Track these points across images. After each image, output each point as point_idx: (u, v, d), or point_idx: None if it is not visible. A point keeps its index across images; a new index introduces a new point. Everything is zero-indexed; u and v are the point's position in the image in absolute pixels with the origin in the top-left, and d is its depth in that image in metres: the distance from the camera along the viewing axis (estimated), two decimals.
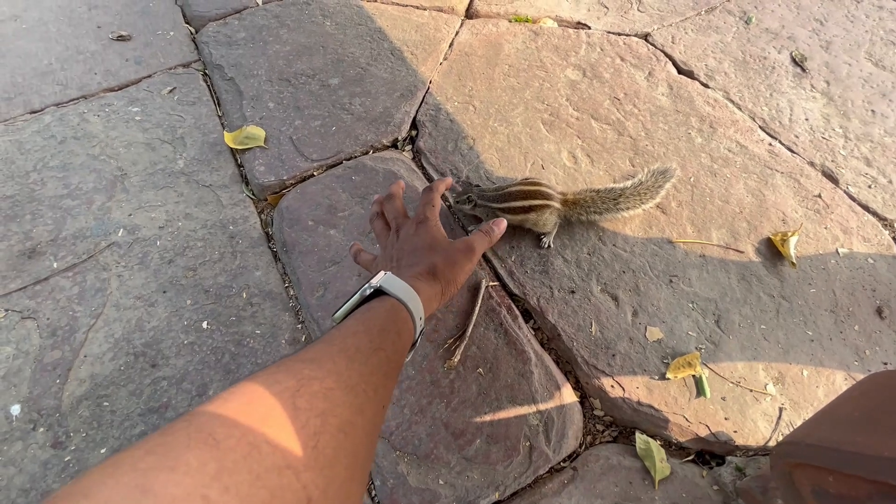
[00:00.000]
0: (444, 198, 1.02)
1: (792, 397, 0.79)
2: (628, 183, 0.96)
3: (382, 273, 0.60)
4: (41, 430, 0.78)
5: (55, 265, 0.96)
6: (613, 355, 0.83)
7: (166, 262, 0.96)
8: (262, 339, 0.87)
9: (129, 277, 0.94)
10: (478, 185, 0.95)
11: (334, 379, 0.39)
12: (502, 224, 0.79)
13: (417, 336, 0.59)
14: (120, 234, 1.00)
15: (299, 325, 0.89)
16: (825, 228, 0.98)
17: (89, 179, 1.08)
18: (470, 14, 1.48)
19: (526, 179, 0.94)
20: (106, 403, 0.80)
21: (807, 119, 1.17)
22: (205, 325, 0.89)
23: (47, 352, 0.85)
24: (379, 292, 0.58)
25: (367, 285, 0.58)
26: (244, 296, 0.92)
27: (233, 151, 1.14)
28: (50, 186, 1.07)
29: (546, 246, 0.95)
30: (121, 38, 1.40)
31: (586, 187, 1.00)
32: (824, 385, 0.80)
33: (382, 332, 0.50)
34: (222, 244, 0.99)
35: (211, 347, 0.86)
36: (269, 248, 0.99)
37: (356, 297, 0.57)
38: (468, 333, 0.84)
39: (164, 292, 0.93)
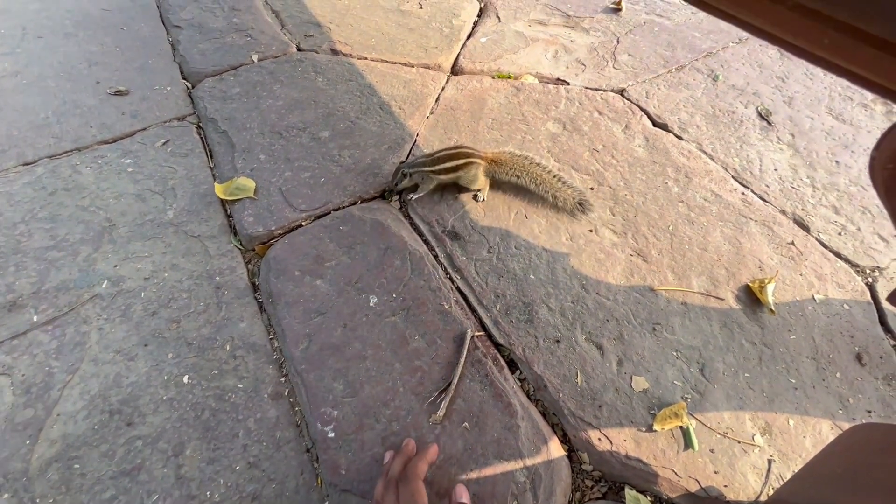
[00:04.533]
0: (389, 189, 1.12)
1: (780, 448, 0.78)
2: (548, 165, 1.09)
3: None
4: (6, 495, 0.73)
5: (35, 318, 0.93)
6: (600, 406, 0.82)
7: (149, 314, 0.95)
8: (244, 393, 0.85)
9: (109, 331, 0.92)
10: (403, 162, 1.07)
11: None
12: None
13: None
14: (104, 286, 0.99)
15: (282, 379, 0.87)
16: (800, 275, 1.00)
17: (77, 231, 1.08)
18: (455, 71, 1.55)
19: (452, 146, 1.08)
20: (77, 466, 0.76)
21: (776, 169, 1.22)
22: (185, 379, 0.86)
23: (19, 410, 0.82)
24: None
25: None
26: (227, 348, 0.91)
27: (223, 202, 1.15)
28: (36, 238, 1.06)
29: (481, 199, 1.12)
30: (118, 93, 1.44)
31: (506, 150, 1.14)
32: (811, 435, 0.79)
33: None
34: (208, 295, 0.98)
35: (190, 403, 0.83)
36: (256, 298, 0.98)
37: None
38: (453, 386, 0.82)
39: (146, 346, 0.90)
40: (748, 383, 0.85)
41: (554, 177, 1.09)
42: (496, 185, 1.16)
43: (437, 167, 1.06)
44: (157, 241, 1.07)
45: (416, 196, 1.11)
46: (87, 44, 1.62)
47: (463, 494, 0.69)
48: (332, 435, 0.79)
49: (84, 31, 1.68)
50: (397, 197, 1.17)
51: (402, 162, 1.08)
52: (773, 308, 0.93)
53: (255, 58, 1.56)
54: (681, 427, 0.79)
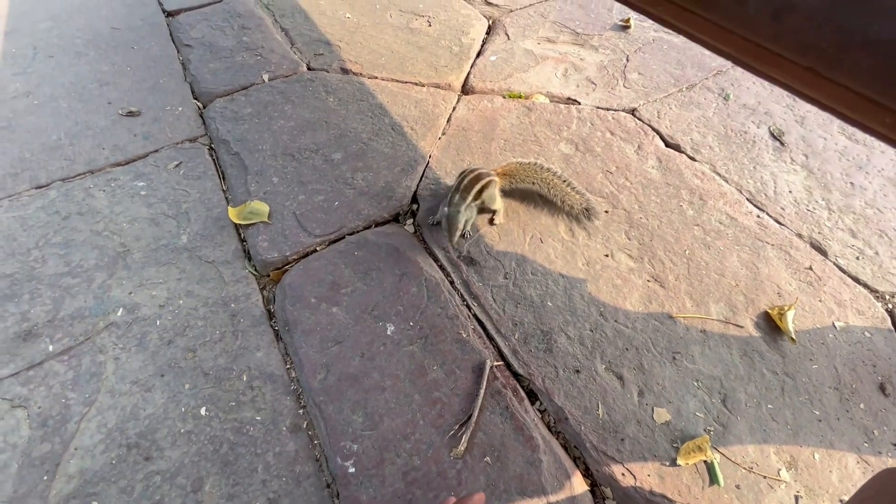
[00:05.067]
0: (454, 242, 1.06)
1: (806, 483, 0.77)
2: (557, 170, 1.12)
3: None
4: None
5: (50, 348, 0.93)
6: (622, 440, 0.81)
7: (165, 343, 0.94)
8: (262, 426, 0.84)
9: (126, 360, 0.92)
10: (446, 207, 1.05)
11: None
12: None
13: None
14: (119, 314, 0.98)
15: (300, 410, 0.86)
16: (820, 301, 0.99)
17: (91, 256, 1.08)
18: (466, 90, 1.55)
19: (462, 173, 1.08)
20: (94, 503, 0.76)
21: (790, 191, 1.21)
22: (203, 411, 0.86)
23: (36, 444, 0.81)
24: None
25: None
26: (244, 378, 0.90)
27: (236, 226, 1.15)
28: (51, 264, 1.06)
29: (497, 223, 1.12)
30: (130, 114, 1.44)
31: (513, 161, 1.17)
32: (837, 469, 0.78)
33: None
34: (223, 323, 0.98)
35: (209, 436, 0.83)
36: (271, 326, 0.98)
37: None
38: (474, 418, 0.82)
39: (162, 376, 0.90)
40: (771, 415, 0.84)
41: (563, 181, 1.13)
42: (508, 204, 1.16)
43: (472, 195, 1.04)
44: (171, 267, 1.07)
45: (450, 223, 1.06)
46: (99, 63, 1.63)
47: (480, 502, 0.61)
48: (352, 470, 0.78)
49: (95, 50, 1.69)
50: (411, 221, 1.17)
51: (447, 207, 1.04)
52: (793, 337, 0.92)
53: (265, 77, 1.57)
54: (705, 461, 0.78)
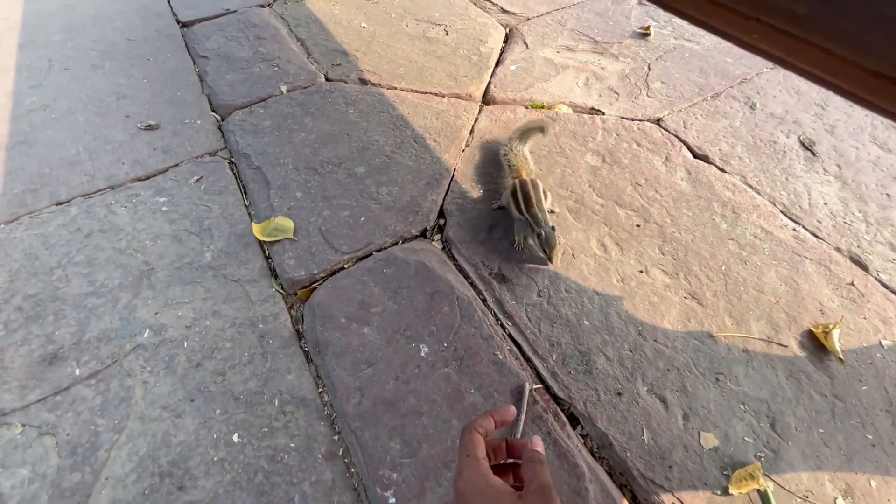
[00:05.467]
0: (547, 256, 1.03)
1: None
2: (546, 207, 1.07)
3: None
4: None
5: (77, 372, 0.91)
6: (670, 467, 0.78)
7: (194, 366, 0.92)
8: (296, 453, 0.82)
9: (154, 384, 0.90)
10: (525, 227, 1.04)
11: None
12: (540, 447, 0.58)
13: None
14: (146, 336, 0.96)
15: (335, 437, 0.84)
16: (864, 319, 0.97)
17: (115, 275, 1.06)
18: (487, 101, 1.54)
19: (515, 184, 1.07)
20: None
21: (825, 203, 1.19)
22: (235, 437, 0.83)
23: (66, 474, 0.79)
24: None
25: None
26: (276, 403, 0.88)
27: (261, 243, 1.13)
28: (74, 284, 1.04)
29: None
30: (149, 128, 1.43)
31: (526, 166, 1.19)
32: (895, 498, 0.76)
33: None
34: (252, 344, 0.96)
35: (242, 464, 0.80)
36: (301, 347, 0.96)
37: None
38: None
39: (192, 401, 0.88)
40: (823, 440, 0.81)
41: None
42: None
43: (540, 206, 1.04)
44: (196, 286, 1.05)
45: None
46: (115, 76, 1.62)
47: (538, 444, 0.57)
48: (392, 500, 0.75)
49: (111, 62, 1.68)
50: (439, 236, 1.15)
51: (540, 228, 1.01)
52: (841, 357, 0.90)
53: (283, 89, 1.55)
54: (758, 490, 0.76)
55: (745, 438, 0.81)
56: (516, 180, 1.08)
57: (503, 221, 1.14)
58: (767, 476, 0.77)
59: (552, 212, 1.14)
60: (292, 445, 0.83)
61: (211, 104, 1.52)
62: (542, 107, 1.49)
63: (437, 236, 1.15)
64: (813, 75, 0.39)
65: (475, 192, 1.22)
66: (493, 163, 1.30)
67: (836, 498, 0.75)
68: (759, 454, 0.79)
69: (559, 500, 0.49)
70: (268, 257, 1.11)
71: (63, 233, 1.14)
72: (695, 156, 1.32)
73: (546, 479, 0.50)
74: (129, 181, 1.27)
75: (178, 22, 1.88)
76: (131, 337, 0.96)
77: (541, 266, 1.05)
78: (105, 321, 0.98)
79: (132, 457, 0.81)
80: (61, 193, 1.24)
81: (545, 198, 1.07)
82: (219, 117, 1.48)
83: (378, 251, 1.10)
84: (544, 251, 1.01)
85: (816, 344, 0.93)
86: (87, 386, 0.89)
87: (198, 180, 1.28)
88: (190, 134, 1.41)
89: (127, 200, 1.22)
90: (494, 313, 0.99)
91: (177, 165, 1.32)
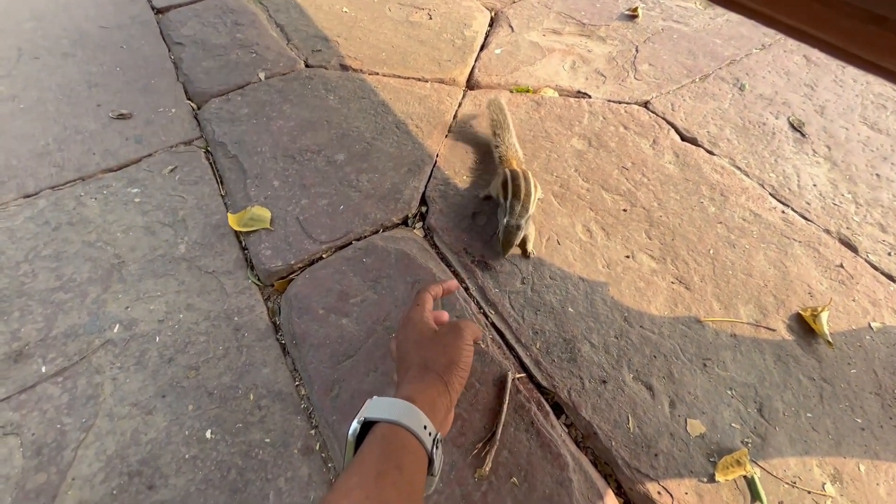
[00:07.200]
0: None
1: (853, 498, 0.73)
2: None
3: (368, 401, 0.55)
4: None
5: (44, 369, 0.87)
6: (656, 455, 0.76)
7: (166, 361, 0.89)
8: (272, 448, 0.79)
9: (124, 381, 0.86)
10: (504, 216, 0.97)
11: None
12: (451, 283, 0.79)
13: (431, 448, 0.52)
14: (116, 331, 0.93)
15: (312, 431, 0.81)
16: (853, 301, 0.95)
17: (84, 269, 1.02)
18: (471, 85, 1.50)
19: (508, 175, 1.01)
20: None
21: (815, 185, 1.17)
22: (208, 434, 0.81)
23: (31, 475, 0.76)
24: (370, 424, 0.52)
25: (352, 426, 0.52)
26: (251, 397, 0.85)
27: (237, 234, 1.09)
28: (41, 278, 1.00)
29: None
30: (121, 117, 1.38)
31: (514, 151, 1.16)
32: (885, 482, 0.74)
33: (380, 476, 0.45)
34: (227, 338, 0.92)
35: (215, 461, 0.78)
36: (278, 340, 0.93)
37: (348, 447, 0.52)
38: (498, 436, 0.77)
39: (164, 397, 0.85)
40: (811, 424, 0.79)
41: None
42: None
43: (532, 206, 0.99)
44: (169, 279, 1.01)
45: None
46: (87, 64, 1.56)
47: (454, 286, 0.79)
48: None
49: (82, 50, 1.62)
50: (421, 224, 1.11)
51: (507, 217, 0.96)
52: (829, 340, 0.88)
53: (262, 75, 1.51)
54: (745, 476, 0.74)
55: (733, 424, 0.79)
56: (507, 170, 1.04)
57: (487, 208, 1.11)
58: (754, 462, 0.75)
59: (541, 199, 1.11)
60: (267, 441, 0.80)
61: (186, 92, 1.48)
62: (528, 91, 1.45)
63: (419, 224, 1.12)
64: (799, 32, 0.36)
65: (458, 179, 1.19)
66: (476, 148, 1.26)
67: (824, 483, 0.74)
68: (746, 440, 0.78)
69: (470, 337, 0.66)
70: (244, 248, 1.07)
71: (30, 226, 1.10)
72: (683, 138, 1.30)
73: (457, 322, 0.68)
74: (101, 172, 1.23)
75: (153, 8, 1.82)
76: (100, 332, 0.93)
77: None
78: (73, 316, 0.95)
79: (100, 456, 0.78)
80: (29, 186, 1.19)
81: (534, 192, 1.01)
82: (194, 105, 1.44)
83: (358, 240, 1.07)
84: (502, 243, 0.97)
85: (805, 327, 0.91)
86: (54, 384, 0.86)
87: (172, 170, 1.23)
88: (164, 123, 1.37)
89: (97, 192, 1.18)
90: (477, 301, 0.97)
91: (150, 155, 1.28)
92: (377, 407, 0.53)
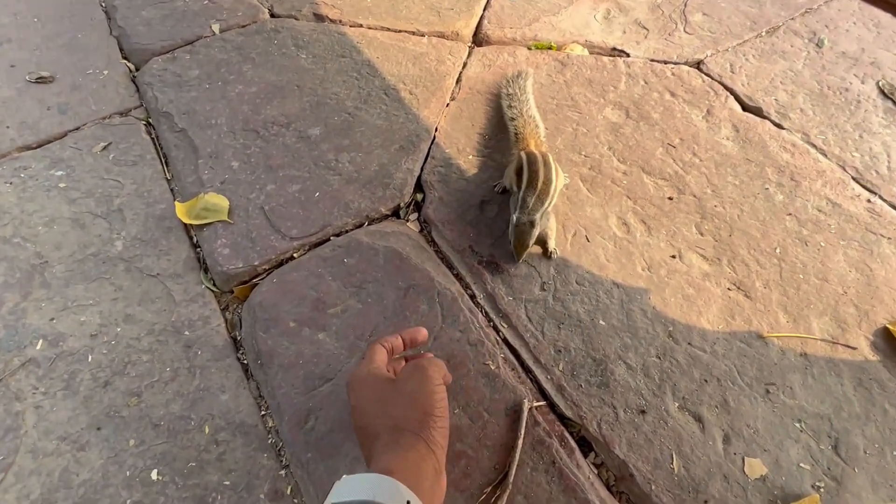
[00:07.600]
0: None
1: None
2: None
3: (337, 483, 0.58)
4: None
5: None
6: (706, 501, 0.79)
7: (101, 386, 0.92)
8: (232, 492, 0.82)
9: (50, 409, 0.89)
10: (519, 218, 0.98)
11: None
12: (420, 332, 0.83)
13: None
14: (38, 347, 0.96)
15: (282, 472, 0.84)
16: None
17: None
18: (478, 40, 1.52)
19: (524, 160, 1.03)
20: None
21: None
22: (154, 475, 0.83)
23: None
24: None
25: None
26: (207, 430, 0.88)
27: (187, 227, 1.12)
28: None
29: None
30: (41, 80, 1.41)
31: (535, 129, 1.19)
32: None
33: None
34: (176, 357, 0.95)
35: None
36: (239, 359, 0.96)
37: None
38: (511, 478, 0.80)
39: (99, 429, 0.88)
40: None
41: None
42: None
43: (551, 197, 1.01)
44: (103, 283, 1.04)
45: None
46: None
47: (422, 335, 0.83)
48: None
49: None
50: (416, 216, 1.14)
51: (517, 213, 0.98)
52: None
53: (216, 28, 1.54)
54: None
55: (801, 464, 0.82)
56: (523, 153, 1.07)
57: (498, 196, 1.14)
58: None
59: (566, 186, 1.13)
60: (227, 483, 0.83)
61: (122, 49, 1.51)
62: (550, 47, 1.48)
63: (414, 215, 1.15)
64: None
65: (462, 159, 1.22)
66: (486, 120, 1.29)
67: None
68: (817, 484, 0.80)
69: (438, 376, 0.70)
70: (196, 245, 1.10)
71: None
72: (744, 108, 1.32)
73: (417, 362, 0.72)
74: (16, 150, 1.26)
75: None
76: (19, 350, 0.96)
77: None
78: None
79: (22, 501, 0.81)
80: None
81: (556, 179, 1.02)
82: (132, 66, 1.47)
83: (337, 235, 1.10)
84: (514, 245, 0.99)
85: (893, 345, 0.94)
86: None
87: (105, 148, 1.26)
88: (94, 88, 1.40)
89: (13, 175, 1.21)
90: (485, 312, 1.00)
91: (77, 129, 1.31)
92: (347, 488, 0.55)
